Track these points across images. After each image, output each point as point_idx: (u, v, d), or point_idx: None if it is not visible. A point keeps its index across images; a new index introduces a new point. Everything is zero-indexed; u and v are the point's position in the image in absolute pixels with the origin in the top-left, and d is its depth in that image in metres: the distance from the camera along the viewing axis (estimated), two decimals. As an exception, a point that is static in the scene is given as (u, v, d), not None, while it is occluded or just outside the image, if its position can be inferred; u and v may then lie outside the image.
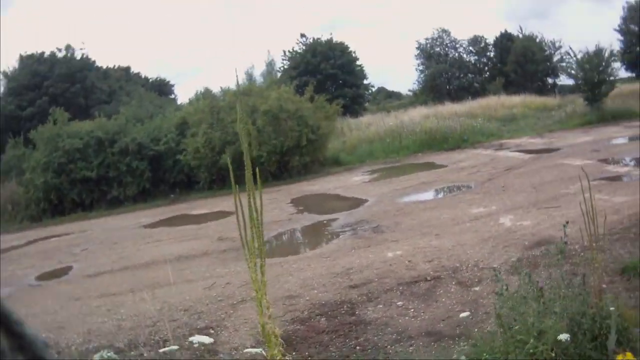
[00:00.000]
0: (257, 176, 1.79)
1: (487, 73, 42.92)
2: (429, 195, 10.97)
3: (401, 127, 19.67)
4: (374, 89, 42.13)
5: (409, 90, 44.85)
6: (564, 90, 30.80)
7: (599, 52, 21.26)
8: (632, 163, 10.86)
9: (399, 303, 4.80)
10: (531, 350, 2.49)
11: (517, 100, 25.68)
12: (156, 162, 16.66)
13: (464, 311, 4.12)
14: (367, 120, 24.44)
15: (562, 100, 25.25)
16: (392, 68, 72.45)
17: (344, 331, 4.37)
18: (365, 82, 36.82)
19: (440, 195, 10.93)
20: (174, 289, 5.74)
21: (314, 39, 35.58)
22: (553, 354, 2.47)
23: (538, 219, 7.07)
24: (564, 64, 34.63)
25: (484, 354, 2.71)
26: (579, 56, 21.83)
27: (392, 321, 4.43)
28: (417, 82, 44.62)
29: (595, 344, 2.60)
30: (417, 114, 23.22)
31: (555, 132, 18.73)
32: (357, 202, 10.79)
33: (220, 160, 14.65)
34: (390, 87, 43.62)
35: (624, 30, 39.43)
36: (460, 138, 17.98)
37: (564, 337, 2.45)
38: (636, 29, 39.22)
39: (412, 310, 4.60)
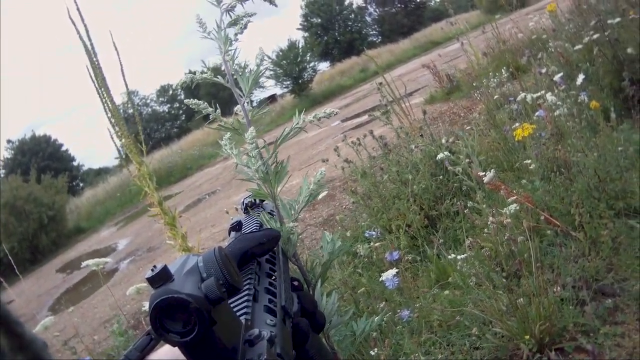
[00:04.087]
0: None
1: (184, 116, 46.49)
2: (183, 209, 11.14)
3: (127, 180, 20.72)
4: (84, 169, 44.38)
5: (115, 158, 45.39)
6: (262, 103, 35.70)
7: (292, 45, 21.88)
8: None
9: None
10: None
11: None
12: None
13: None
14: (91, 193, 23.91)
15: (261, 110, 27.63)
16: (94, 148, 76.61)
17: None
18: (74, 164, 40.97)
19: (193, 207, 11.25)
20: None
21: (18, 140, 39.12)
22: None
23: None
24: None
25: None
26: (272, 56, 21.62)
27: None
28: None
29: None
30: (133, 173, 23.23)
31: (272, 130, 17.34)
32: (114, 246, 11.73)
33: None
34: (96, 165, 45.97)
35: (307, 26, 44.43)
36: (184, 167, 19.59)
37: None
38: (318, 20, 43.83)
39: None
